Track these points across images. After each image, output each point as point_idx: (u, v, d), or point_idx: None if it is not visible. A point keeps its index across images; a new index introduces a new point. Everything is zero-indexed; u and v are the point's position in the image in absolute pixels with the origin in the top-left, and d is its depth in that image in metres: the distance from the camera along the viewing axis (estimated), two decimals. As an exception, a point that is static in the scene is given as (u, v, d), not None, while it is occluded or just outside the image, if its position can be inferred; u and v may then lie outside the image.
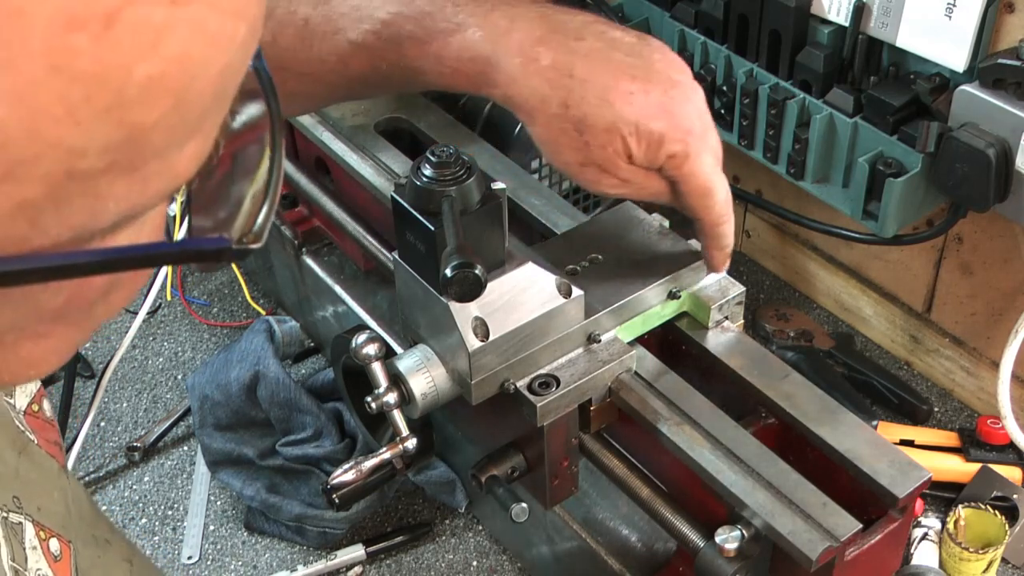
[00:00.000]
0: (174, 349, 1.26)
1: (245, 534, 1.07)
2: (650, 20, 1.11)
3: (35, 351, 0.32)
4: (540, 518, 0.93)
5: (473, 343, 0.72)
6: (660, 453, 0.77)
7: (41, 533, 0.54)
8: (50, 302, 0.30)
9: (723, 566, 0.70)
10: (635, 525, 0.92)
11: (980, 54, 0.88)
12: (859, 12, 0.93)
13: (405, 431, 0.77)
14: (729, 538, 0.69)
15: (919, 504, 1.00)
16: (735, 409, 0.77)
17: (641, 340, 0.81)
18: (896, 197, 0.93)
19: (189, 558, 1.05)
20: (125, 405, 1.20)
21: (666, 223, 0.84)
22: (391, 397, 0.76)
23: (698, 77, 1.07)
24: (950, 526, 0.95)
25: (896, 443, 0.84)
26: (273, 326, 1.12)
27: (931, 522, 0.99)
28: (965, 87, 0.88)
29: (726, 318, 0.81)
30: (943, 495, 1.03)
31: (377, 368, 0.75)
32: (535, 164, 1.10)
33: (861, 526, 0.68)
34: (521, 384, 0.74)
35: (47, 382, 0.97)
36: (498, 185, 0.72)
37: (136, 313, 1.16)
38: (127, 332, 1.14)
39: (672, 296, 0.80)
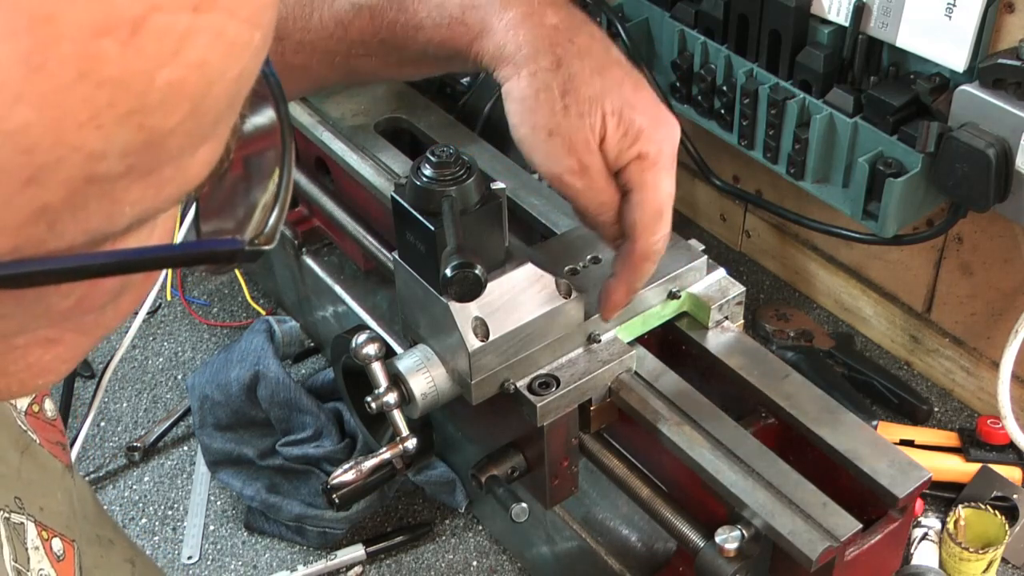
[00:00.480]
0: (174, 349, 1.26)
1: (245, 534, 1.07)
2: (650, 20, 1.11)
3: (44, 358, 0.32)
4: (540, 518, 0.93)
5: (473, 343, 0.72)
6: (660, 453, 0.77)
7: (43, 533, 0.54)
8: (61, 304, 0.31)
9: (723, 566, 0.70)
10: (635, 525, 0.92)
11: (980, 54, 0.88)
12: (859, 12, 0.93)
13: (405, 431, 0.77)
14: (729, 538, 0.69)
15: (919, 504, 1.00)
16: (735, 409, 0.77)
17: (641, 340, 0.81)
18: (896, 197, 0.93)
19: (189, 558, 1.05)
20: (125, 405, 1.20)
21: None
22: (391, 397, 0.76)
23: (698, 77, 1.08)
24: (950, 526, 0.95)
25: (896, 443, 0.84)
26: (273, 326, 1.12)
27: (931, 522, 0.99)
28: (965, 87, 0.88)
29: (726, 318, 0.81)
30: (943, 495, 1.03)
31: (377, 368, 0.76)
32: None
33: (861, 526, 0.68)
34: (521, 384, 0.75)
35: (47, 382, 0.97)
36: (498, 185, 0.72)
37: (136, 313, 1.16)
38: (127, 332, 1.14)
39: (672, 296, 0.80)
